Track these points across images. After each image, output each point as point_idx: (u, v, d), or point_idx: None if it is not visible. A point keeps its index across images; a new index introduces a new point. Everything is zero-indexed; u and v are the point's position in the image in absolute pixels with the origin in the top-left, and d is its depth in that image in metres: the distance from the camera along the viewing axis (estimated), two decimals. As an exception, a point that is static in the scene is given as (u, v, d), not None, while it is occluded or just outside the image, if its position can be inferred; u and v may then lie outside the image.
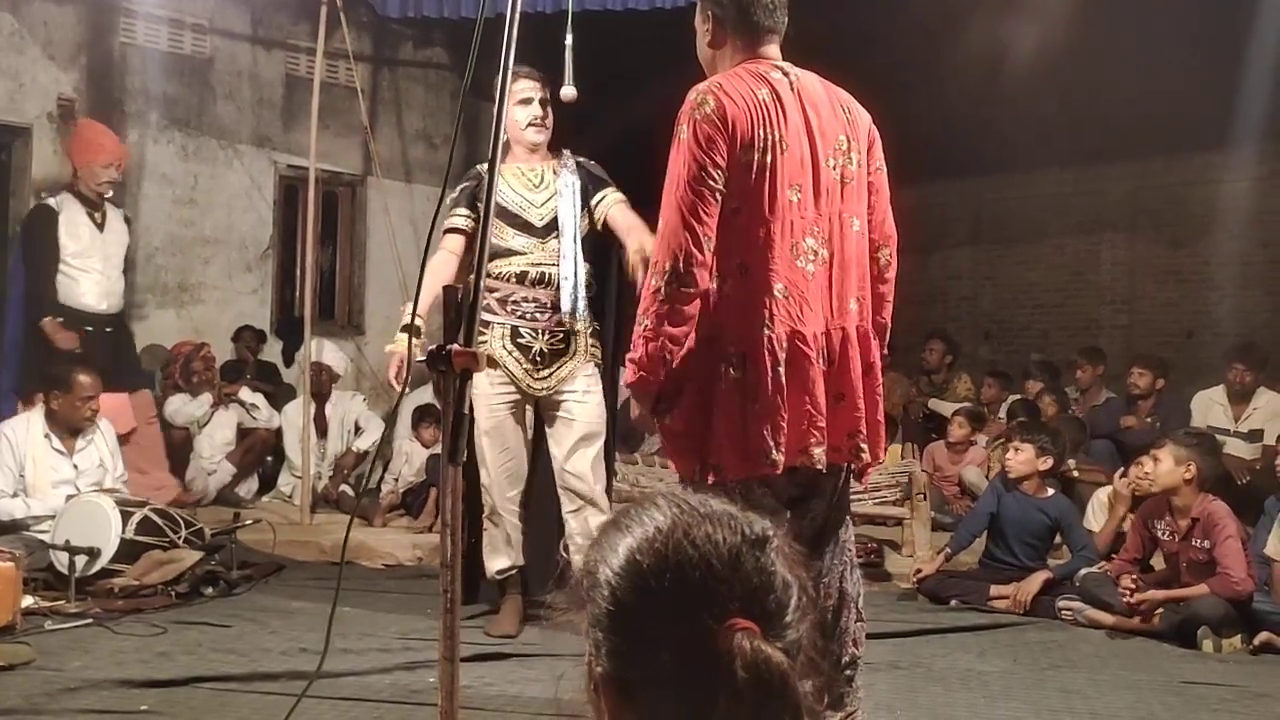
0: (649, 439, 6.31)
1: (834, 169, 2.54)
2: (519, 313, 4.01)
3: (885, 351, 2.72)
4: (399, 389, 4.16)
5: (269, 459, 7.14)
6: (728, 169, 2.41)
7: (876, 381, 2.62)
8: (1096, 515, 5.10)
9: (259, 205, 8.13)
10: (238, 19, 7.94)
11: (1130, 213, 9.46)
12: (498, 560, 4.12)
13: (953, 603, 4.83)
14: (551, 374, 4.04)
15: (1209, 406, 6.38)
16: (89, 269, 5.78)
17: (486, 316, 4.00)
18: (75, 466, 5.05)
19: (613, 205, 4.08)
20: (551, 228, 4.04)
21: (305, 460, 6.45)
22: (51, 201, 5.86)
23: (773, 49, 2.59)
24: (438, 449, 5.81)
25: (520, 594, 4.15)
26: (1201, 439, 4.62)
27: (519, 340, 4.01)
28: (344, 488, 6.84)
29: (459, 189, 4.14)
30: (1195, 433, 4.85)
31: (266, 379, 7.55)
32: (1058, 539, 5.07)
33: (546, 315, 4.02)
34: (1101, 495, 5.04)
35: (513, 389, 4.03)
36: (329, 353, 7.05)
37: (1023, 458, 5.01)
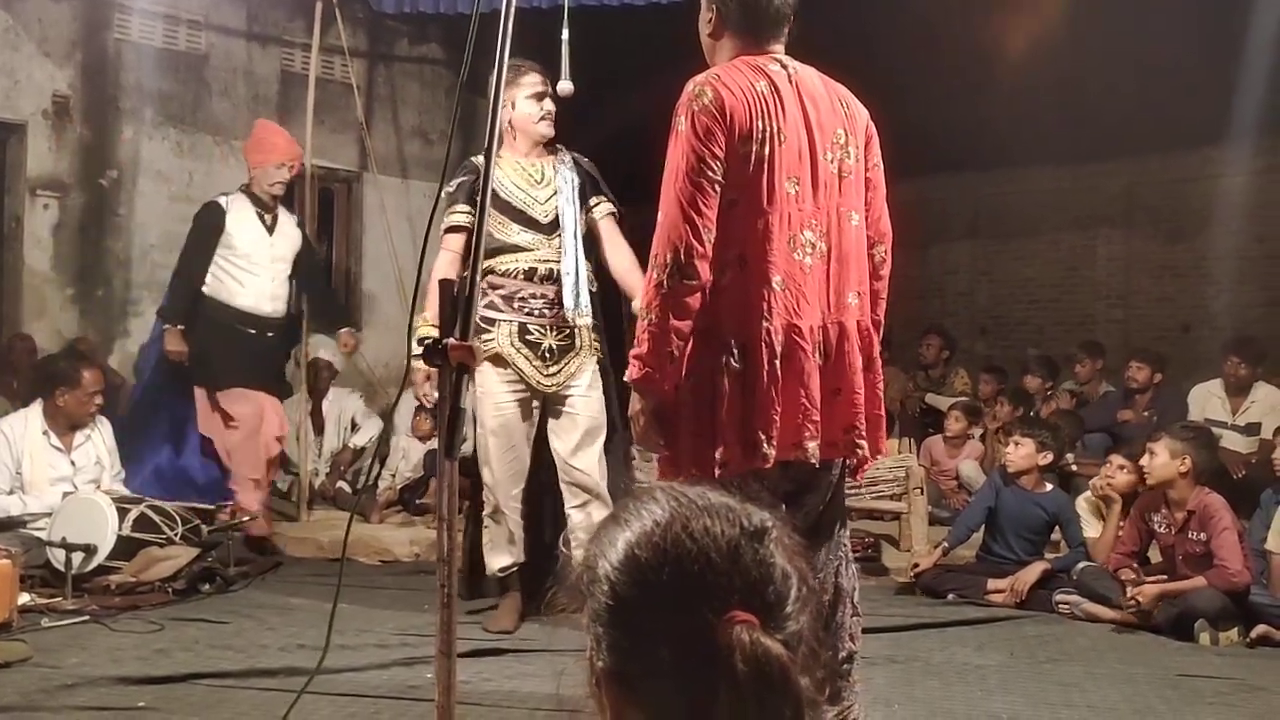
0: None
1: (832, 163, 2.53)
2: (527, 309, 4.02)
3: (881, 348, 2.72)
4: (429, 405, 4.11)
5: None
6: (726, 160, 2.40)
7: (877, 376, 2.62)
8: (1085, 520, 5.09)
9: (255, 202, 8.10)
10: (233, 15, 7.92)
11: (1126, 208, 9.47)
12: (500, 558, 4.12)
13: (950, 597, 4.83)
14: (560, 370, 4.05)
15: (1206, 399, 6.39)
16: (253, 271, 5.53)
17: (492, 314, 4.00)
18: (73, 463, 5.04)
19: (604, 217, 4.16)
20: (556, 224, 4.05)
21: (302, 457, 6.44)
22: (221, 200, 5.65)
23: (775, 46, 2.58)
24: (434, 444, 5.81)
25: (520, 590, 4.15)
26: (1197, 432, 4.63)
27: (527, 337, 4.01)
28: (341, 484, 6.83)
29: (456, 183, 4.13)
30: (1191, 426, 4.87)
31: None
32: (1056, 535, 5.09)
33: (554, 311, 4.03)
34: (1083, 502, 5.05)
35: (521, 387, 4.02)
36: (326, 353, 7.04)
37: (1023, 452, 5.02)
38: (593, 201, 4.16)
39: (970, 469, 6.40)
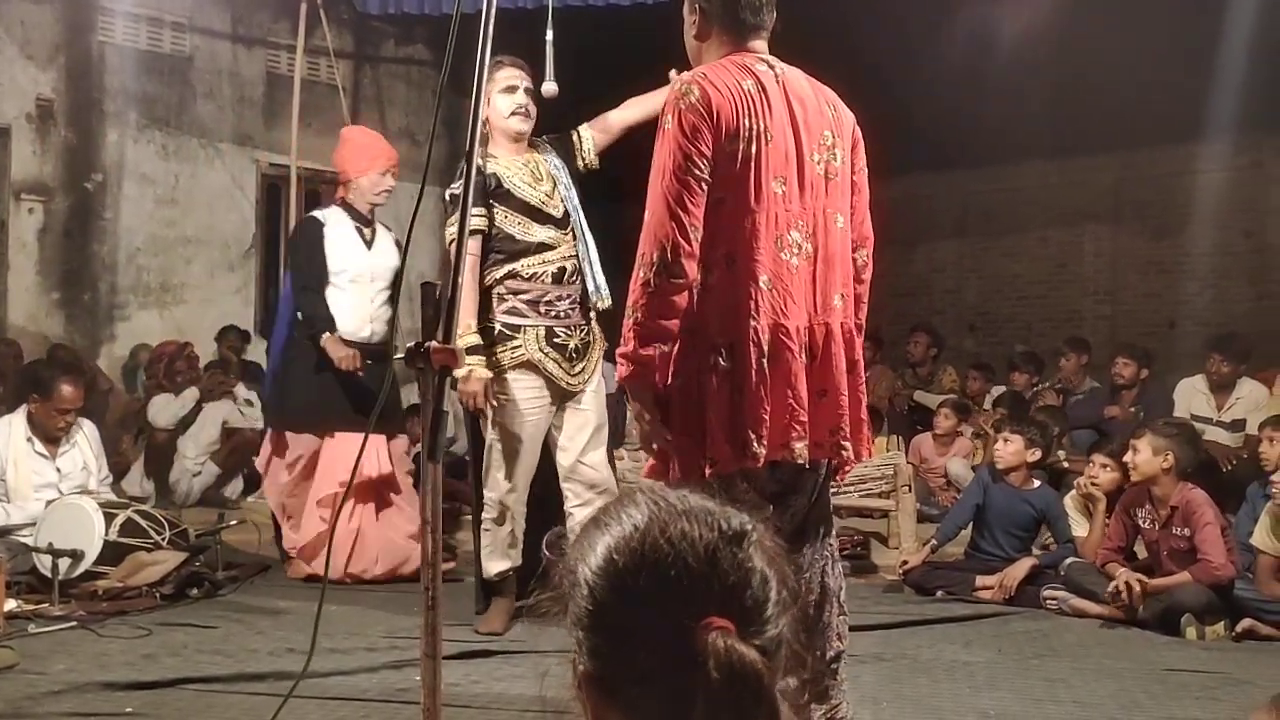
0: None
1: (818, 164, 2.53)
2: (553, 313, 4.00)
3: (870, 346, 2.72)
4: (488, 414, 4.00)
5: (254, 459, 7.10)
6: (713, 158, 2.40)
7: (860, 379, 2.62)
8: (1073, 519, 5.11)
9: (241, 204, 8.10)
10: (217, 17, 7.91)
11: (1113, 204, 9.51)
12: (499, 562, 4.10)
13: (938, 594, 4.85)
14: (584, 368, 4.07)
15: (1192, 395, 6.41)
16: (349, 290, 5.00)
17: (517, 320, 3.97)
18: (58, 470, 5.00)
19: (592, 133, 4.20)
20: (568, 216, 4.06)
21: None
22: (319, 214, 5.21)
23: (759, 44, 2.59)
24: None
25: (513, 594, 4.14)
26: (1180, 428, 4.65)
27: (555, 340, 4.00)
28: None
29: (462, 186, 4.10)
30: (1174, 422, 4.89)
31: (252, 379, 7.52)
32: (1047, 534, 5.10)
33: (577, 311, 4.04)
34: (1071, 500, 5.07)
35: (545, 393, 4.00)
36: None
37: (1012, 449, 5.03)
38: (577, 147, 4.20)
39: (959, 467, 6.41)
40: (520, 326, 3.96)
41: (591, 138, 4.21)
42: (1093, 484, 4.89)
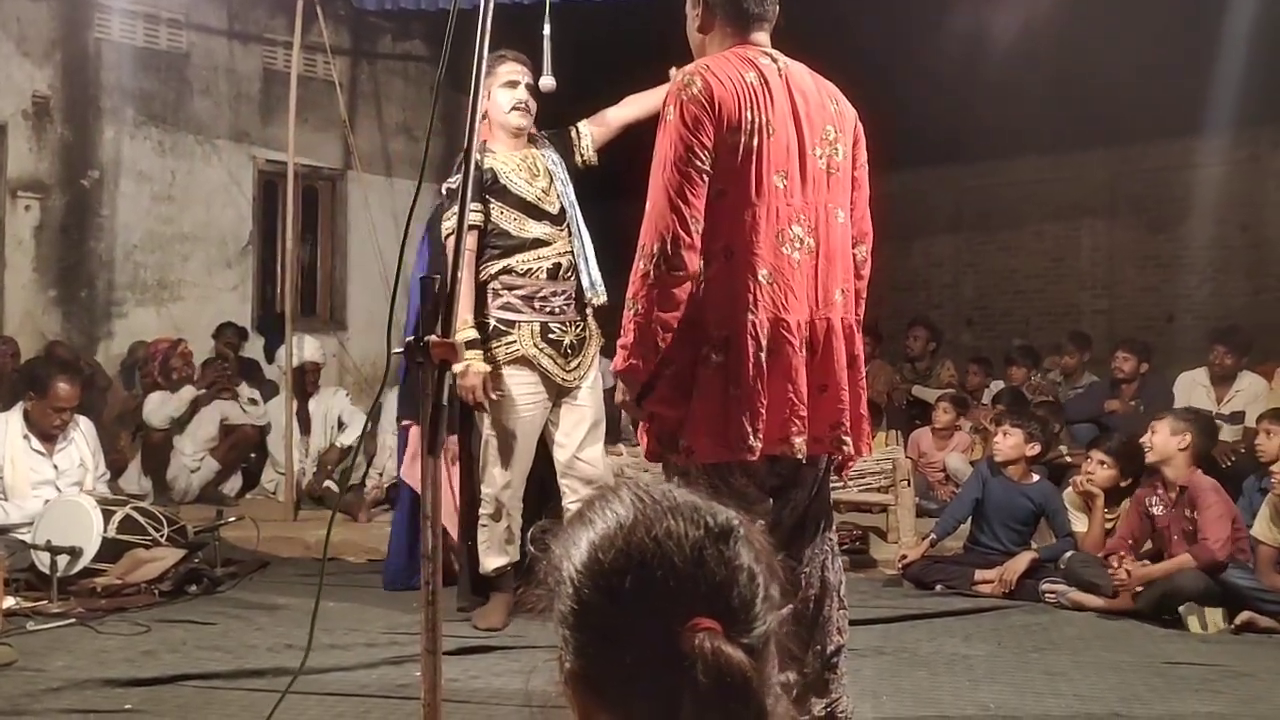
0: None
1: (820, 159, 2.53)
2: (549, 309, 3.99)
3: (869, 341, 2.72)
4: (486, 408, 3.99)
5: (252, 455, 7.11)
6: (714, 150, 2.39)
7: (860, 375, 2.62)
8: (1072, 514, 5.12)
9: (238, 201, 8.08)
10: (214, 13, 7.89)
11: (1110, 198, 9.51)
12: (496, 558, 4.09)
13: (938, 588, 4.85)
14: (579, 364, 4.06)
15: (1192, 388, 6.42)
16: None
17: (511, 315, 3.96)
18: (55, 467, 5.00)
19: (590, 129, 4.20)
20: (564, 212, 4.05)
21: (288, 456, 6.42)
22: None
23: (762, 37, 2.58)
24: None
25: (511, 589, 4.13)
26: (1198, 416, 4.76)
27: (549, 336, 3.99)
28: (328, 483, 6.81)
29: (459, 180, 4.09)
30: (1193, 410, 4.97)
31: (249, 376, 7.52)
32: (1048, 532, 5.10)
33: (572, 307, 4.03)
34: (1067, 496, 5.08)
35: (541, 389, 4.00)
36: (310, 348, 7.01)
37: (1011, 442, 5.04)
38: (576, 143, 4.19)
39: (957, 461, 6.42)
40: (515, 322, 3.96)
41: (590, 134, 4.21)
42: (1089, 481, 4.90)
